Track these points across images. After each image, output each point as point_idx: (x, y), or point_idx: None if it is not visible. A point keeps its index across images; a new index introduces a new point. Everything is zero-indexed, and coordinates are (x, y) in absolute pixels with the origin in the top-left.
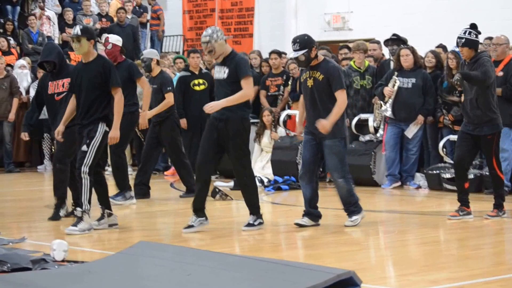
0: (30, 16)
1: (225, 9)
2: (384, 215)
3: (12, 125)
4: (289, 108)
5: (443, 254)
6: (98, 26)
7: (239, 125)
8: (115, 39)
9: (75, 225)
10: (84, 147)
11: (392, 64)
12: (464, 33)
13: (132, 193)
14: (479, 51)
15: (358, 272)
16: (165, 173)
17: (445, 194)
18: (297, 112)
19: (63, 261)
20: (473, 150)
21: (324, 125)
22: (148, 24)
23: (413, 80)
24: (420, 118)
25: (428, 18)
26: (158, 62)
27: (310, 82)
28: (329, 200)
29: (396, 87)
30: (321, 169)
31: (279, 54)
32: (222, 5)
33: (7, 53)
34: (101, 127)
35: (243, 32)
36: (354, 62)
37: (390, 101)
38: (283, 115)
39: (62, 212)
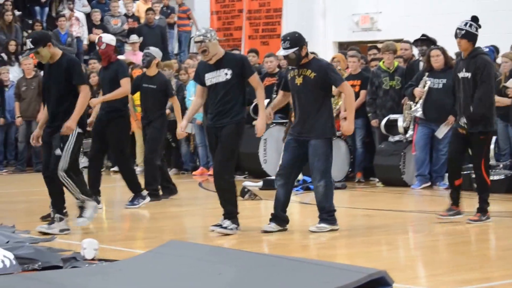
0: (60, 17)
1: (253, 9)
2: (414, 216)
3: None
4: None
5: (473, 254)
6: (125, 27)
7: (233, 129)
8: (109, 39)
9: (81, 216)
10: (58, 151)
11: (421, 65)
12: (465, 24)
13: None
14: (477, 46)
15: (389, 272)
16: (193, 173)
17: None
18: None
19: (93, 259)
20: (465, 148)
21: (347, 127)
22: (176, 25)
23: (444, 80)
24: (451, 118)
25: (456, 19)
26: (158, 64)
27: (299, 80)
28: (358, 200)
29: (426, 88)
30: (350, 169)
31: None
32: (250, 6)
33: None
34: (75, 129)
35: (271, 33)
36: (383, 62)
37: (421, 101)
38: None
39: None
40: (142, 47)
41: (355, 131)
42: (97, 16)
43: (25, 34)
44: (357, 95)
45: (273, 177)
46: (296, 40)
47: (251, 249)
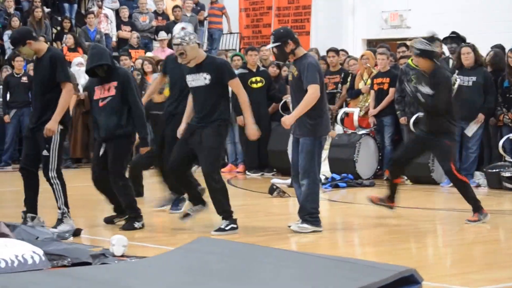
0: (89, 14)
1: (281, 6)
2: (443, 213)
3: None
4: (347, 105)
5: (504, 252)
6: (154, 23)
7: (214, 130)
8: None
9: (55, 227)
10: (45, 152)
11: (450, 62)
12: (420, 43)
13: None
14: (438, 63)
15: (418, 270)
16: (222, 170)
17: (505, 192)
18: (355, 110)
19: (122, 256)
20: (420, 153)
21: (284, 120)
22: (206, 22)
23: (474, 78)
24: (481, 116)
25: (486, 16)
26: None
27: (290, 78)
28: None
29: (456, 85)
30: (378, 167)
31: (337, 52)
32: (279, 3)
33: (72, 49)
34: (57, 128)
35: (300, 30)
36: (411, 60)
37: None
38: (340, 113)
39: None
40: (170, 44)
41: (384, 128)
42: (125, 12)
43: (54, 31)
44: (386, 92)
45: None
46: (280, 36)
47: (279, 247)
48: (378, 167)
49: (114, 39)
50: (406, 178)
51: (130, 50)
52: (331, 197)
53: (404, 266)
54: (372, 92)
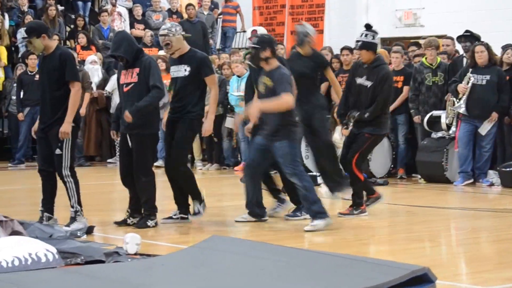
0: (102, 12)
1: (295, 5)
2: (457, 212)
3: (83, 119)
4: None
5: None
6: (167, 22)
7: (186, 123)
8: (264, 32)
9: (68, 225)
10: (58, 151)
11: (465, 61)
12: (361, 35)
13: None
14: (379, 55)
15: (432, 268)
16: (235, 168)
17: None
18: None
19: (135, 254)
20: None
21: (254, 106)
22: (220, 20)
23: (488, 77)
24: (494, 115)
25: (500, 15)
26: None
27: (261, 88)
28: (400, 196)
29: (470, 84)
30: (392, 165)
31: (351, 50)
32: (293, 1)
33: (85, 48)
34: (70, 131)
35: (314, 28)
36: (426, 58)
37: (464, 98)
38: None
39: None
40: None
41: (397, 127)
42: (139, 11)
43: (68, 29)
44: (400, 91)
45: (315, 173)
46: (262, 40)
47: (292, 245)
48: (392, 166)
49: None
50: (420, 176)
51: (143, 49)
52: (344, 195)
53: (417, 265)
54: None
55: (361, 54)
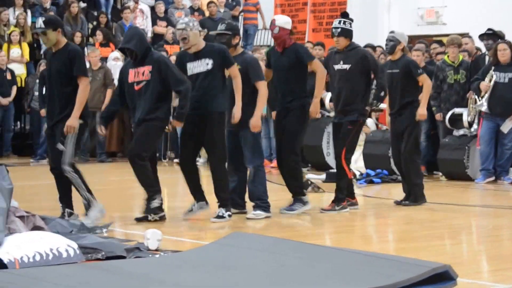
0: (125, 9)
1: (317, 2)
2: (478, 210)
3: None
4: (382, 101)
5: None
6: None
7: (215, 119)
8: (283, 22)
9: (86, 214)
10: (60, 146)
11: (487, 59)
12: (339, 22)
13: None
14: (353, 41)
15: (452, 266)
16: None
17: None
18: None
19: (156, 250)
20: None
21: (253, 123)
22: (241, 18)
23: (510, 75)
24: None
25: None
26: (404, 49)
27: (227, 73)
28: None
29: (492, 82)
30: None
31: (373, 48)
32: None
33: (104, 45)
34: (76, 126)
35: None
36: (448, 56)
37: (486, 96)
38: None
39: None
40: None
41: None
42: (161, 8)
43: (90, 26)
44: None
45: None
46: (231, 26)
47: (313, 242)
48: None
49: (150, 34)
50: (441, 174)
51: (165, 46)
52: (366, 192)
53: (438, 262)
54: None
55: (338, 40)
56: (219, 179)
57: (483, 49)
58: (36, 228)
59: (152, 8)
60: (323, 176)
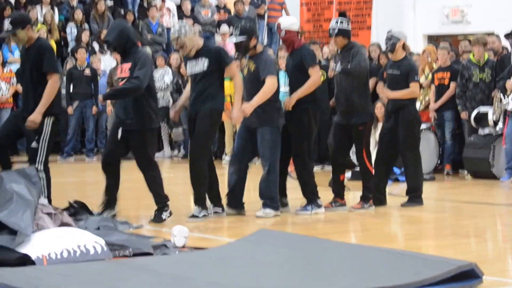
0: (151, 7)
1: (343, 1)
2: (503, 208)
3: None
4: None
5: None
6: (216, 17)
7: (207, 116)
8: (289, 24)
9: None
10: (34, 144)
11: None
12: (336, 22)
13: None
14: (351, 41)
15: (478, 264)
16: None
17: None
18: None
19: (183, 247)
20: (347, 141)
21: (244, 108)
22: (266, 16)
23: None
24: None
25: None
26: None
27: (245, 71)
28: (447, 192)
29: None
30: (438, 161)
31: None
32: None
33: None
34: (48, 120)
35: (361, 25)
36: (473, 55)
37: None
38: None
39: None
40: None
41: (444, 123)
42: (187, 6)
43: None
44: (446, 87)
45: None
46: (246, 29)
47: (339, 239)
48: (439, 161)
49: None
50: (466, 172)
51: None
52: (391, 191)
53: (464, 260)
54: (433, 87)
55: (336, 40)
56: (196, 175)
57: (510, 48)
58: (63, 224)
59: (179, 6)
60: (349, 174)
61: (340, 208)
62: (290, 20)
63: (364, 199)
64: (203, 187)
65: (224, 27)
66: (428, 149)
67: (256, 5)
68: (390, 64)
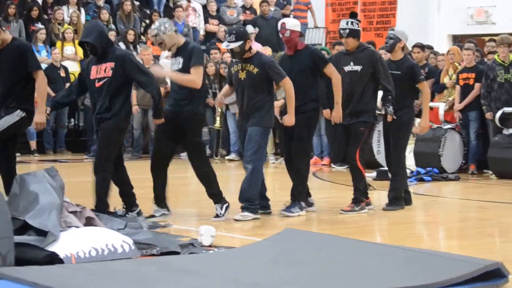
0: (177, 7)
1: (368, 2)
2: None
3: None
4: (432, 100)
5: None
6: (242, 18)
7: (188, 117)
8: (293, 24)
9: None
10: None
11: None
12: (346, 23)
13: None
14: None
15: (504, 264)
16: None
17: None
18: (440, 104)
19: (210, 246)
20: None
21: (288, 120)
22: (291, 16)
23: None
24: None
25: None
26: (404, 48)
27: (242, 75)
28: (471, 192)
29: None
30: (463, 161)
31: (422, 47)
32: None
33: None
34: (19, 113)
35: (385, 25)
36: (498, 56)
37: None
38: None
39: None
40: (257, 39)
41: (469, 123)
42: (213, 6)
43: (143, 24)
44: (471, 87)
45: (386, 168)
46: (240, 34)
47: (364, 239)
48: (463, 161)
49: (202, 32)
50: (491, 172)
51: (217, 44)
52: (416, 190)
53: (490, 260)
54: (458, 87)
55: (347, 41)
56: (202, 175)
57: None
58: (88, 219)
59: (204, 7)
60: (374, 174)
61: (368, 207)
62: (294, 21)
63: (355, 201)
64: (214, 183)
65: (250, 27)
66: (453, 148)
67: (282, 6)
68: (388, 63)
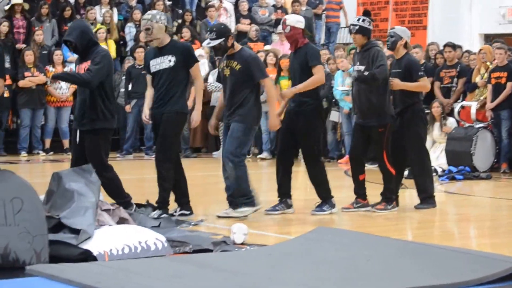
0: (209, 7)
1: (399, 1)
2: None
3: (189, 112)
4: (464, 99)
5: None
6: (273, 17)
7: (172, 118)
8: (294, 20)
9: None
10: None
11: None
12: (358, 20)
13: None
14: (371, 40)
15: None
16: (339, 161)
17: None
18: (472, 103)
19: (243, 244)
20: (366, 141)
21: (272, 124)
22: (324, 16)
23: None
24: None
25: None
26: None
27: (226, 72)
28: (503, 191)
29: None
30: (495, 160)
31: (454, 47)
32: None
33: (190, 42)
34: None
35: (417, 25)
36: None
37: None
38: (457, 107)
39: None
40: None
41: (501, 122)
42: (244, 6)
43: (176, 23)
44: (503, 86)
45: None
46: (222, 31)
47: (396, 237)
48: (495, 160)
49: (233, 31)
50: None
51: (248, 43)
52: (448, 189)
53: None
54: (490, 86)
55: (355, 38)
56: (162, 178)
57: None
58: (121, 219)
59: (236, 6)
60: (406, 172)
61: (361, 208)
62: (297, 17)
63: (386, 200)
64: (169, 189)
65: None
66: (484, 148)
67: (314, 5)
68: (394, 63)
